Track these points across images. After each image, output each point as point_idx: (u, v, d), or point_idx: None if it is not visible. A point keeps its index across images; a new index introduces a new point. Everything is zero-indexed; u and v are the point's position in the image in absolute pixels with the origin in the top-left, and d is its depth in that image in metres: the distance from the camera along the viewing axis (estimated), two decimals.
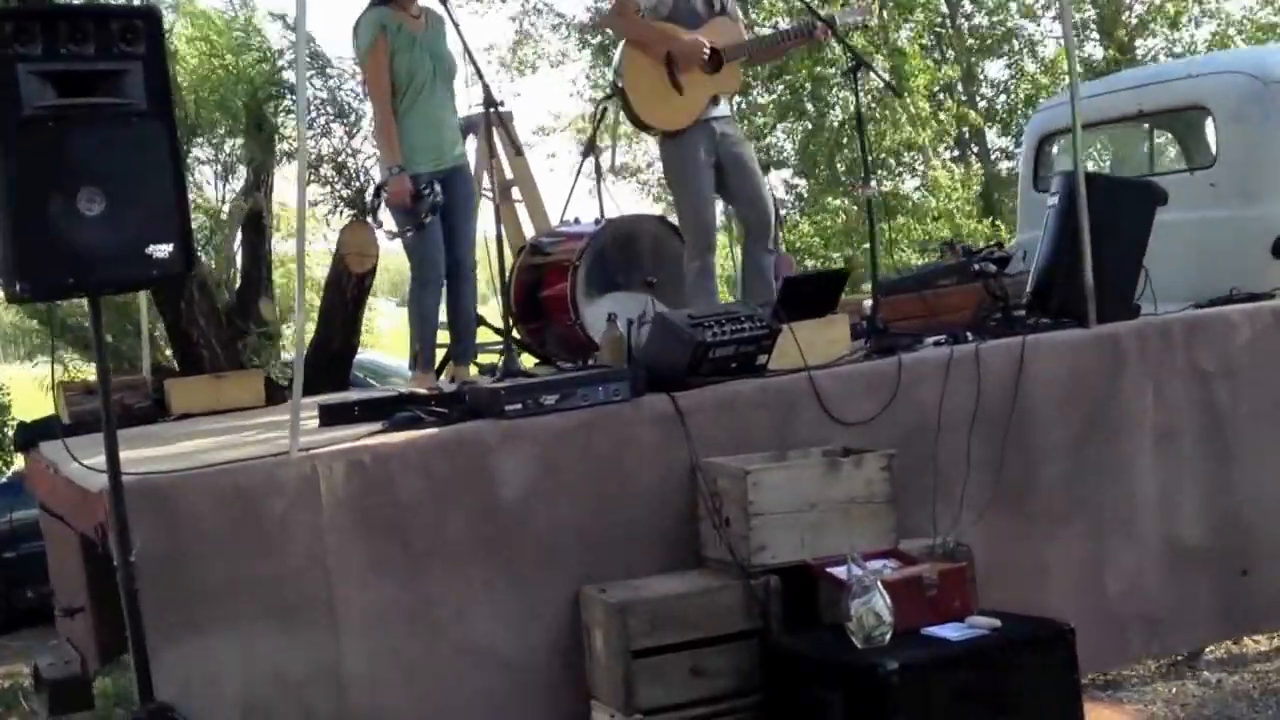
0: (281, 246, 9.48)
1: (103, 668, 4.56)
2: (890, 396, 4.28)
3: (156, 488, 3.60)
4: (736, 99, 5.45)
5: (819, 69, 15.32)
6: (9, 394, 8.65)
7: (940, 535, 3.99)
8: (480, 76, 5.14)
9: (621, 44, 5.69)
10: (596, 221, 6.12)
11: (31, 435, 5.34)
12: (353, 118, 8.34)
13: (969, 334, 4.67)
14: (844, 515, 3.86)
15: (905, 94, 13.95)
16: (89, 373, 7.82)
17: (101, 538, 3.61)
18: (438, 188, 5.01)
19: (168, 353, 7.55)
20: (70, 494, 4.08)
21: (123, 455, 3.39)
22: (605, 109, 7.36)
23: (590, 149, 6.84)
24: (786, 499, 3.81)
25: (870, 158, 15.80)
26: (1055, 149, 6.83)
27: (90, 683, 4.48)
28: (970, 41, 17.75)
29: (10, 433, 6.85)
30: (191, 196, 3.78)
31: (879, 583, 3.45)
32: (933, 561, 3.75)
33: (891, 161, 15.61)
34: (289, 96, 8.34)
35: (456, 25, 5.03)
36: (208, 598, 3.58)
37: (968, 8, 17.80)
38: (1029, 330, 4.64)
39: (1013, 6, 17.77)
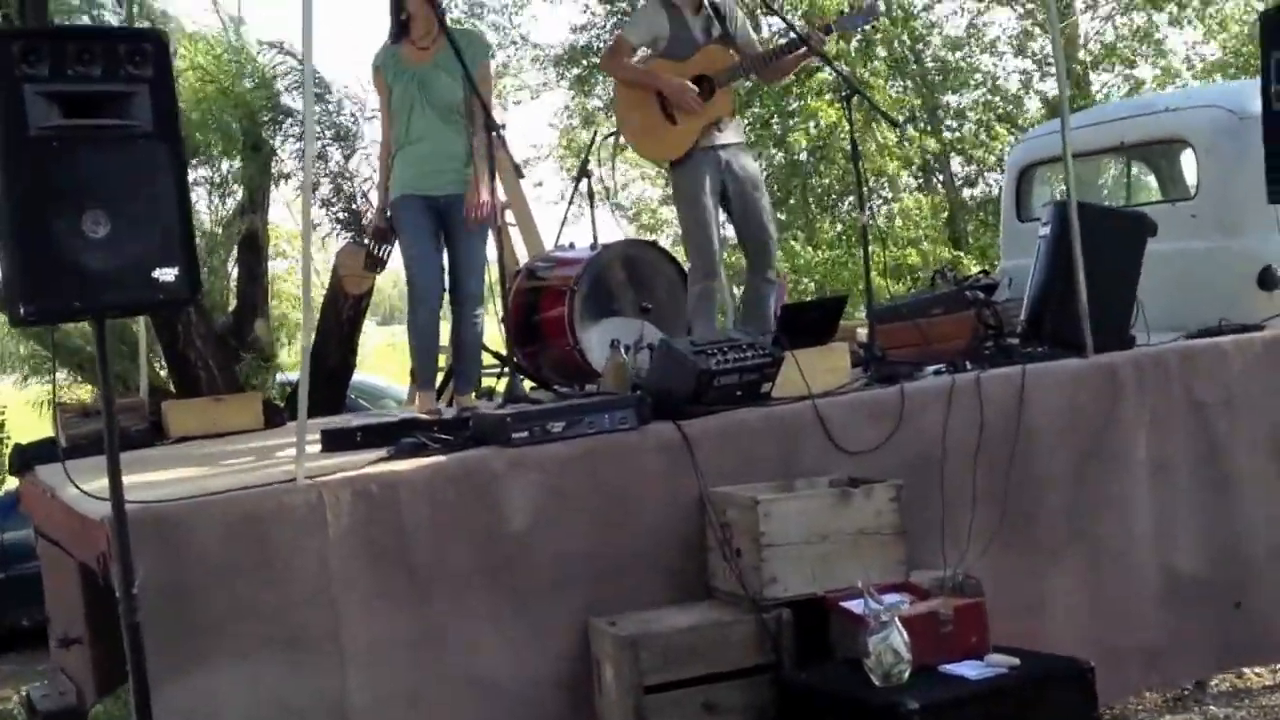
0: (275, 266, 9.32)
1: (100, 700, 4.33)
2: (894, 426, 4.14)
3: (160, 516, 3.41)
4: None
5: (784, 101, 15.25)
6: (4, 412, 8.39)
7: (949, 566, 3.82)
8: (480, 100, 4.95)
9: (615, 83, 5.58)
10: (592, 246, 5.94)
11: (27, 458, 5.10)
12: (350, 141, 8.18)
13: (968, 363, 4.53)
14: (854, 546, 3.69)
15: (898, 123, 13.88)
16: (84, 393, 7.57)
17: (103, 568, 3.41)
18: (398, 218, 4.96)
19: (164, 374, 7.31)
20: (69, 521, 3.88)
21: (123, 480, 3.18)
22: (596, 133, 7.22)
23: (583, 174, 6.69)
24: (797, 530, 3.64)
25: (840, 188, 15.85)
26: (1038, 179, 6.74)
27: (86, 715, 4.25)
28: (932, 74, 17.75)
29: (6, 452, 6.61)
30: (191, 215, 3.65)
31: (896, 618, 3.27)
32: (945, 595, 3.57)
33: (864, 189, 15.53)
34: (287, 119, 8.18)
35: (457, 50, 4.82)
36: (211, 629, 3.40)
37: (934, 41, 17.80)
38: (1027, 359, 4.51)
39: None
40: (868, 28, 13.73)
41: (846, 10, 5.96)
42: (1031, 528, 4.31)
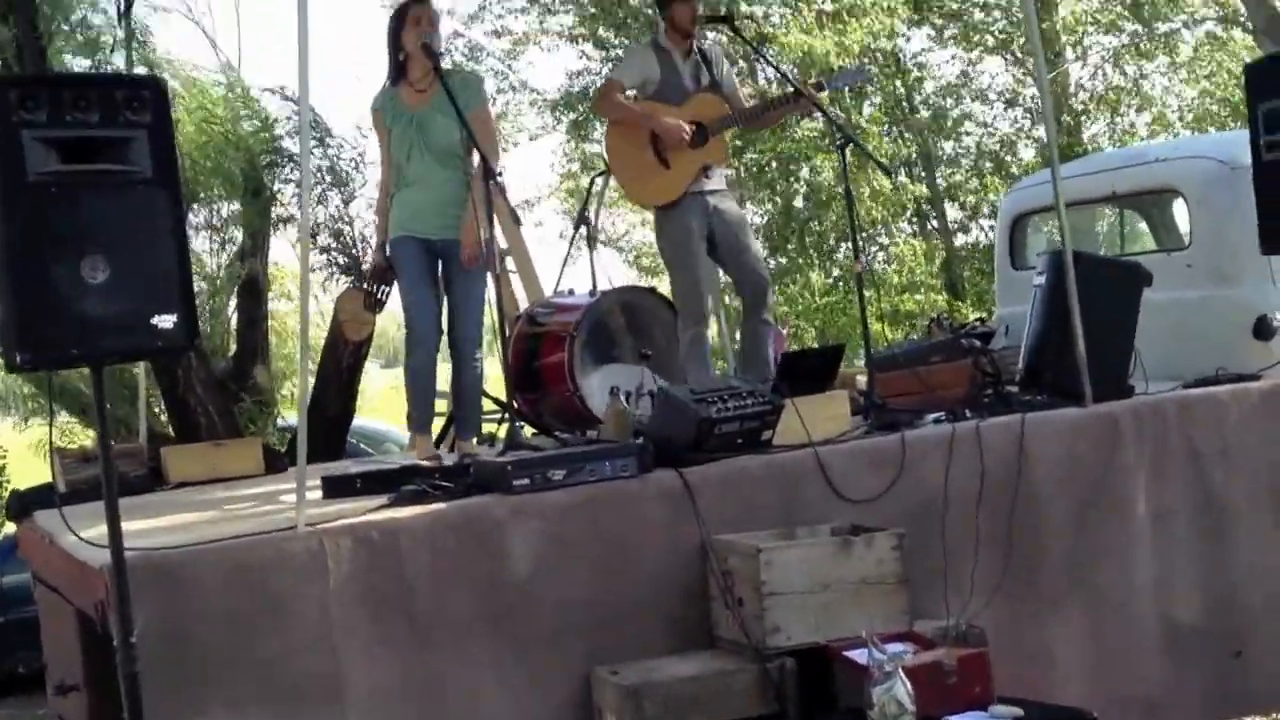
0: (277, 306, 9.31)
1: None
2: (896, 474, 4.12)
3: (160, 564, 3.38)
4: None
5: (782, 146, 15.35)
6: (4, 455, 8.33)
7: (952, 616, 3.78)
8: (477, 148, 4.95)
9: (607, 124, 5.57)
10: (591, 293, 5.94)
11: (25, 503, 5.05)
12: (350, 186, 8.22)
13: (967, 411, 4.51)
14: (857, 596, 3.66)
15: (891, 171, 13.98)
16: (84, 437, 7.54)
17: (101, 615, 3.38)
18: (396, 259, 4.95)
19: (163, 419, 7.28)
20: (68, 567, 3.84)
21: (122, 527, 3.16)
22: (594, 180, 7.25)
23: (581, 221, 6.71)
24: (800, 579, 3.61)
25: (836, 235, 15.92)
26: (1030, 228, 6.77)
27: None
28: (926, 122, 17.88)
29: (5, 496, 6.55)
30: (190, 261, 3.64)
31: (900, 668, 3.23)
32: (948, 645, 3.54)
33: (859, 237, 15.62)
34: (287, 164, 8.21)
35: (453, 98, 4.82)
36: (210, 678, 3.36)
37: (927, 88, 17.95)
38: (1027, 408, 4.50)
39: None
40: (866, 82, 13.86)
41: (836, 69, 6.02)
42: (1034, 576, 4.28)
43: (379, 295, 5.19)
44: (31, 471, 7.54)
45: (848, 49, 13.78)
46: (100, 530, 3.19)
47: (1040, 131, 17.32)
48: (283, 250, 9.28)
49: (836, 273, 15.76)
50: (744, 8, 14.86)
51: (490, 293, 4.96)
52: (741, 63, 15.00)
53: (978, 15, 17.68)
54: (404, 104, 4.99)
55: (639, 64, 5.42)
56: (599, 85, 5.53)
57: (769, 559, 3.59)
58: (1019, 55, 17.39)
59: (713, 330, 5.79)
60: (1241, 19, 16.26)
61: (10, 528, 5.70)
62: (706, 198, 5.31)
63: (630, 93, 5.41)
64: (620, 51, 16.41)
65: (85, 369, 3.27)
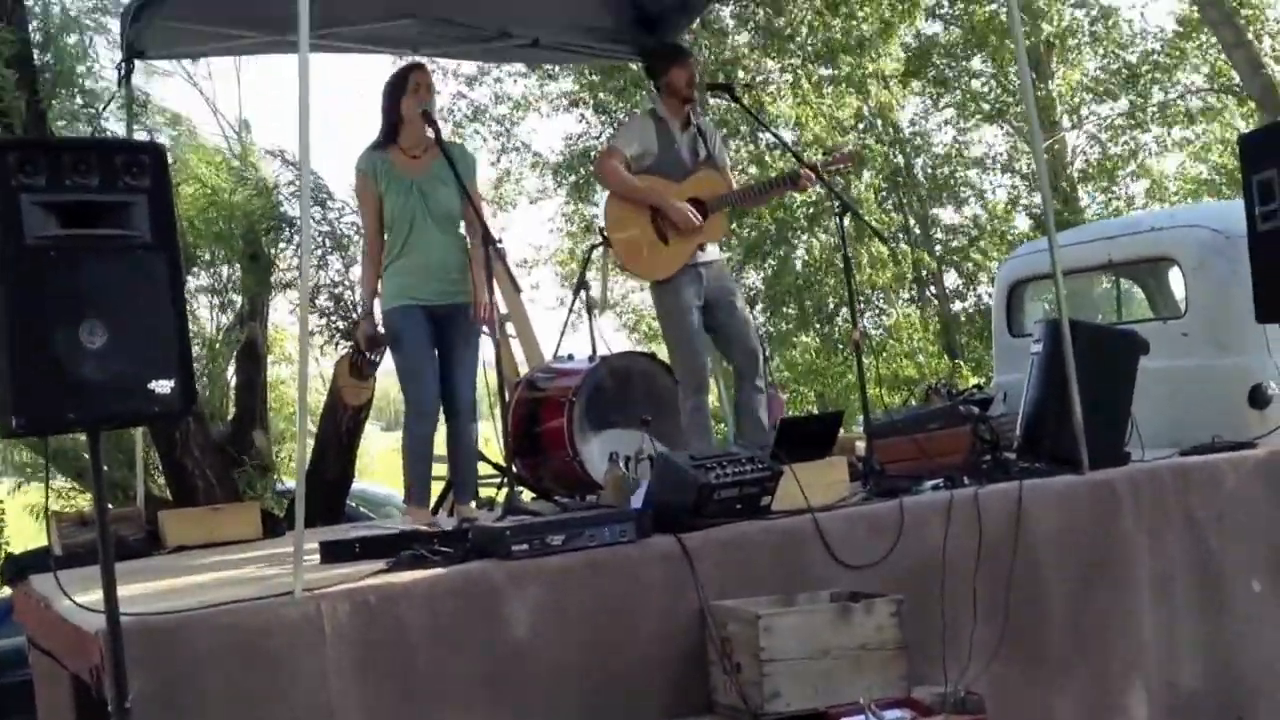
0: (276, 371, 9.34)
1: None
2: (895, 540, 4.14)
3: (155, 629, 3.36)
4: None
5: (781, 214, 15.52)
6: (1, 518, 8.32)
7: (950, 683, 3.79)
8: (478, 215, 5.03)
9: (607, 193, 5.65)
10: (590, 359, 5.99)
11: (21, 567, 5.05)
12: (350, 250, 8.27)
13: (965, 478, 4.55)
14: (856, 662, 3.66)
15: (888, 239, 14.13)
16: (81, 500, 7.54)
17: (96, 681, 3.36)
18: (381, 330, 4.91)
19: (160, 482, 7.28)
20: (63, 632, 3.83)
21: (119, 592, 3.17)
22: (593, 247, 7.32)
23: (581, 287, 6.77)
24: (798, 645, 3.62)
25: (835, 301, 16.05)
26: (1028, 295, 6.83)
27: None
28: (923, 190, 18.09)
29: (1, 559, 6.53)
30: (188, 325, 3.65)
31: None
32: (947, 712, 3.54)
33: (859, 302, 15.76)
34: (288, 228, 8.27)
35: (453, 165, 4.92)
36: None
37: (923, 159, 18.18)
38: (1025, 475, 4.53)
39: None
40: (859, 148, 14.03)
41: (828, 154, 6.14)
42: (1033, 643, 4.29)
43: (373, 359, 5.15)
44: (28, 535, 7.53)
45: (842, 125, 14.00)
46: (96, 595, 3.19)
47: (1037, 199, 17.52)
48: (283, 314, 9.32)
49: (835, 337, 15.87)
50: (741, 75, 15.10)
51: (490, 357, 5.01)
52: (742, 128, 15.21)
53: (974, 84, 17.97)
54: (400, 170, 4.98)
55: (639, 133, 5.49)
56: (599, 150, 5.63)
57: (768, 625, 3.60)
58: (1014, 123, 17.64)
59: (712, 396, 5.84)
60: (1237, 89, 16.51)
61: (6, 591, 5.68)
62: (700, 269, 5.40)
63: (629, 162, 5.49)
64: (623, 115, 16.64)
65: (82, 434, 3.28)
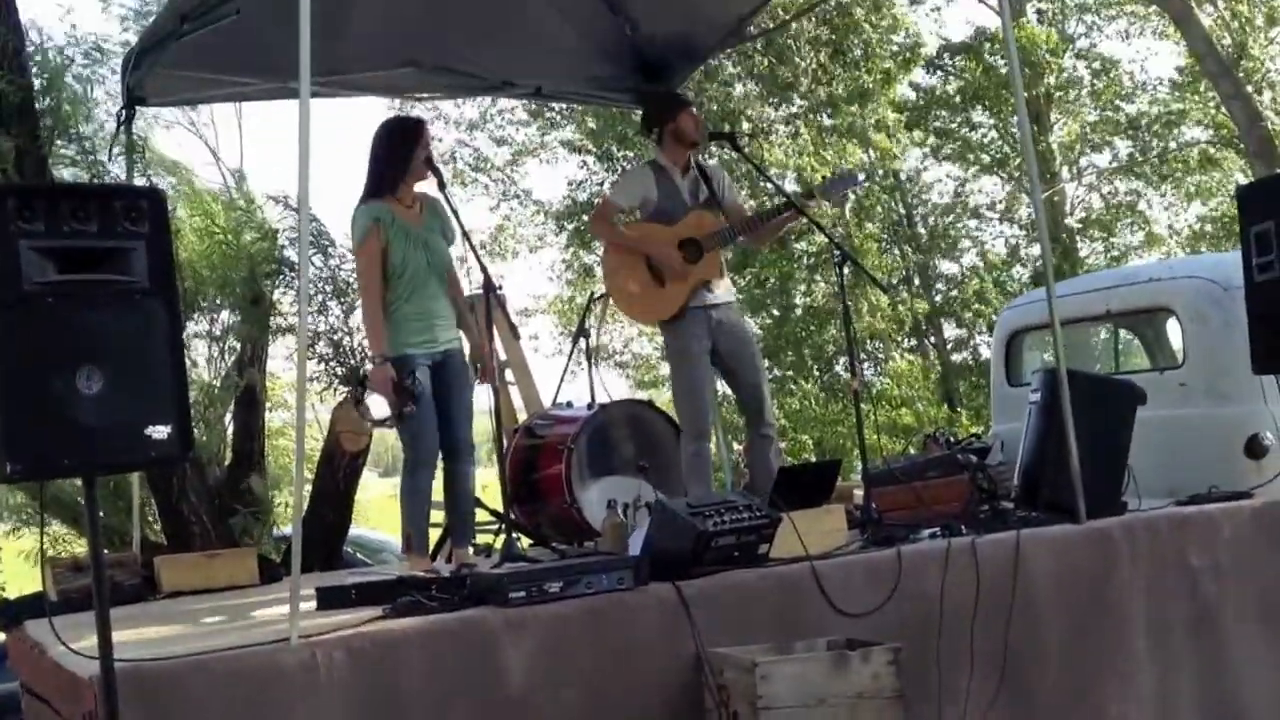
0: (274, 418, 9.33)
1: None
2: (892, 588, 4.16)
3: (150, 675, 3.36)
4: None
5: (784, 263, 15.63)
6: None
7: None
8: (479, 261, 5.14)
9: (604, 246, 5.74)
10: (589, 406, 6.03)
11: (16, 612, 5.05)
12: (350, 296, 8.29)
13: (963, 526, 4.57)
14: (852, 710, 3.67)
15: (887, 288, 14.21)
16: (77, 546, 7.53)
17: None
18: (420, 378, 4.92)
19: (156, 527, 7.28)
20: (57, 678, 3.82)
21: (114, 637, 3.17)
22: (592, 295, 7.39)
23: (580, 335, 6.82)
24: (795, 693, 3.62)
25: (835, 348, 16.11)
26: (1026, 345, 6.87)
27: None
28: (924, 239, 18.21)
29: None
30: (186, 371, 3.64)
31: None
32: None
33: (859, 352, 15.83)
34: (287, 273, 8.30)
35: (455, 213, 5.06)
36: None
37: (923, 209, 18.32)
38: (1022, 524, 4.55)
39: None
40: (859, 192, 14.14)
41: (828, 176, 6.18)
42: (1031, 691, 4.29)
43: (399, 411, 5.03)
44: (23, 580, 7.51)
45: (849, 169, 14.09)
46: (90, 641, 3.19)
47: (1036, 250, 17.64)
48: (281, 360, 9.34)
49: (836, 385, 15.92)
50: (745, 126, 15.25)
51: (489, 403, 5.05)
52: (743, 177, 15.33)
53: (974, 135, 18.15)
54: (405, 221, 5.05)
55: (638, 185, 5.57)
56: (596, 205, 5.72)
57: (765, 673, 3.61)
58: (1014, 174, 17.79)
59: (712, 444, 5.86)
60: (1236, 141, 16.67)
61: (0, 637, 5.67)
62: (710, 311, 5.43)
63: (629, 213, 5.57)
64: (625, 161, 16.79)
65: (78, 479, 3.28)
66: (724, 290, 5.53)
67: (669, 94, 5.95)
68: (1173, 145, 18.17)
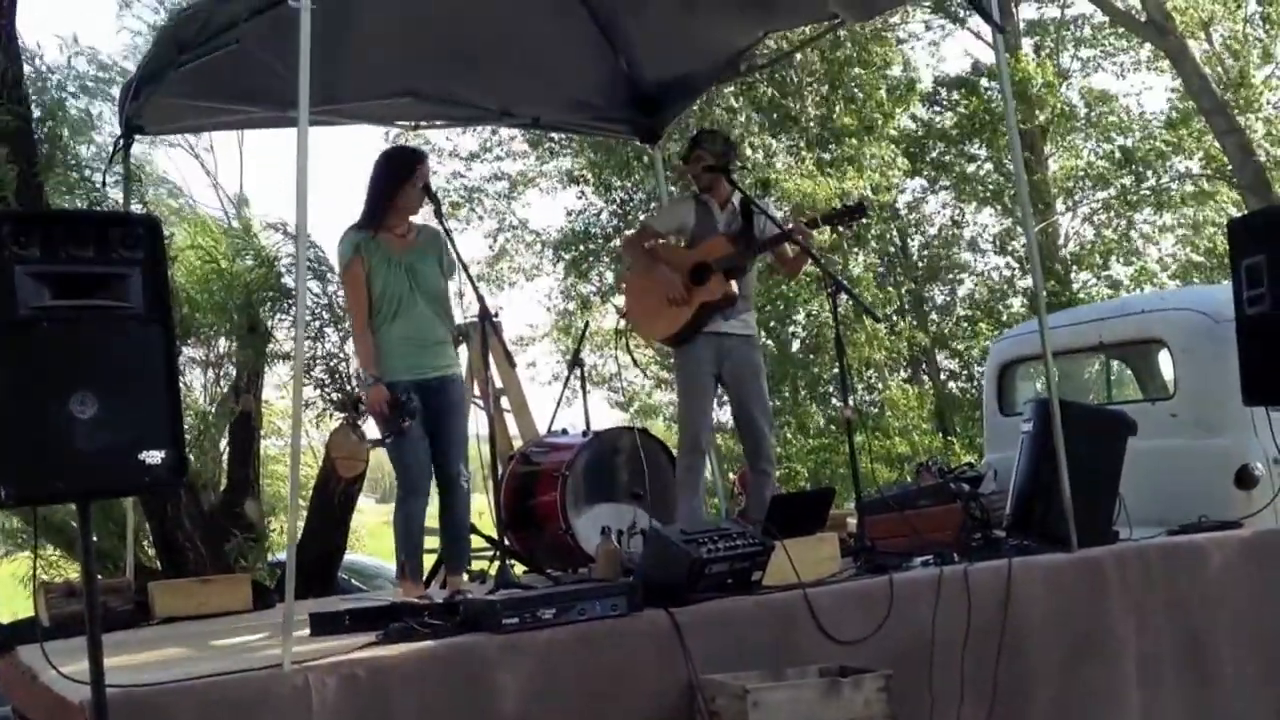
0: (269, 445, 9.34)
1: None
2: (884, 616, 4.16)
3: (141, 701, 3.35)
4: None
5: (777, 291, 15.66)
6: None
7: None
8: (475, 289, 5.19)
9: (625, 267, 5.83)
10: (584, 433, 6.04)
11: (8, 637, 5.03)
12: (346, 323, 8.31)
13: (955, 555, 4.58)
14: None
15: (881, 318, 14.23)
16: (70, 570, 7.51)
17: None
18: (415, 397, 4.93)
19: (151, 552, 7.27)
20: (49, 703, 3.80)
21: (105, 663, 3.16)
22: (588, 323, 7.43)
23: (575, 363, 6.85)
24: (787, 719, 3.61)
25: (830, 378, 16.14)
26: (1019, 375, 6.90)
27: None
28: (919, 270, 18.28)
29: None
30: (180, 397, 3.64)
31: None
32: None
33: (855, 381, 15.86)
34: (284, 300, 8.32)
35: (451, 240, 5.08)
36: None
37: (919, 240, 18.40)
38: (1014, 553, 4.57)
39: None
40: (864, 223, 14.17)
41: (836, 206, 6.24)
42: (1021, 718, 4.28)
43: (395, 429, 5.04)
44: (16, 604, 7.50)
45: (848, 194, 14.19)
46: (83, 665, 3.18)
47: (1030, 281, 17.71)
48: (277, 387, 9.36)
49: (831, 414, 15.95)
50: (750, 154, 15.32)
51: (485, 430, 5.07)
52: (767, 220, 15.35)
53: (970, 168, 18.25)
54: (391, 249, 5.08)
55: (678, 213, 5.74)
56: (636, 227, 5.84)
57: (756, 700, 3.61)
58: (1009, 205, 17.88)
59: (708, 469, 5.89)
60: (1228, 174, 16.77)
61: None
62: (722, 339, 5.50)
63: (669, 238, 5.67)
64: (622, 194, 16.92)
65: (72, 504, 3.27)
66: (741, 322, 5.58)
67: (694, 137, 5.99)
68: (1165, 178, 18.28)
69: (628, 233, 6.88)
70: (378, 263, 5.05)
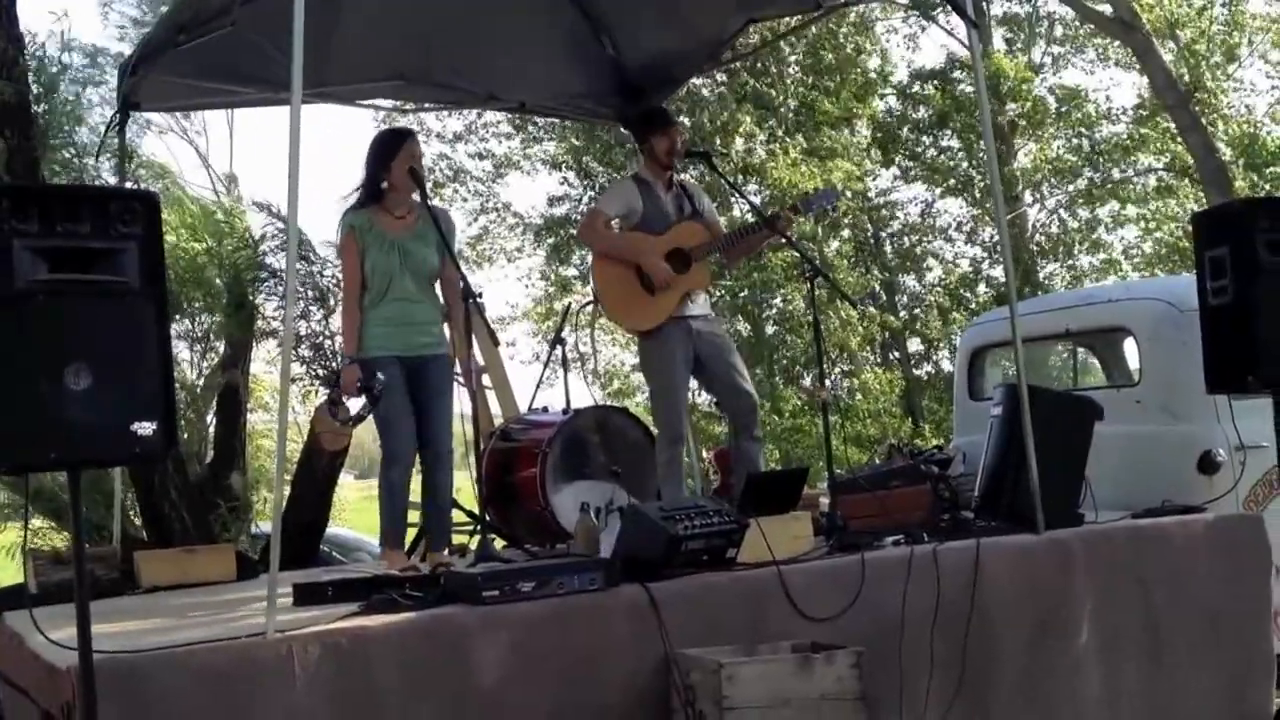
0: (254, 419, 9.32)
1: None
2: (855, 593, 4.16)
3: (127, 666, 3.34)
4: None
5: (757, 274, 15.67)
6: None
7: None
8: (458, 269, 5.14)
9: (593, 255, 5.74)
10: (564, 411, 6.01)
11: None
12: (331, 302, 8.29)
13: (925, 534, 4.58)
14: (816, 712, 3.67)
15: (858, 304, 14.26)
16: (58, 539, 7.45)
17: (67, 718, 3.32)
18: (381, 377, 4.92)
19: (137, 522, 7.21)
20: (35, 668, 3.77)
21: (92, 629, 3.13)
22: (570, 304, 7.39)
23: (557, 341, 6.81)
24: (760, 694, 3.62)
25: (805, 360, 16.16)
26: (988, 361, 6.91)
27: None
28: (891, 258, 18.31)
29: None
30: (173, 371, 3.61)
31: None
32: None
33: (830, 367, 15.89)
34: (271, 279, 8.29)
35: (437, 223, 5.03)
36: None
37: (893, 226, 18.42)
38: (983, 534, 4.57)
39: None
40: (832, 210, 14.19)
41: (811, 192, 6.21)
42: (987, 695, 4.30)
43: (365, 411, 5.07)
44: (4, 573, 7.43)
45: (829, 183, 14.19)
46: (70, 632, 3.16)
47: (998, 270, 17.77)
48: (262, 364, 9.34)
49: (804, 397, 15.98)
50: (739, 143, 15.29)
51: (467, 408, 5.04)
52: (719, 195, 15.37)
53: (941, 159, 18.28)
54: (385, 229, 5.06)
55: (623, 196, 5.57)
56: (584, 214, 5.73)
57: (730, 674, 3.60)
58: (979, 196, 17.92)
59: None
60: (1190, 170, 16.84)
61: None
62: (690, 322, 5.43)
63: (615, 223, 5.57)
64: (604, 180, 16.81)
65: (61, 473, 3.26)
66: (702, 303, 5.55)
67: (652, 111, 5.95)
68: (1130, 173, 18.35)
69: (581, 221, 6.77)
70: (371, 242, 5.05)
